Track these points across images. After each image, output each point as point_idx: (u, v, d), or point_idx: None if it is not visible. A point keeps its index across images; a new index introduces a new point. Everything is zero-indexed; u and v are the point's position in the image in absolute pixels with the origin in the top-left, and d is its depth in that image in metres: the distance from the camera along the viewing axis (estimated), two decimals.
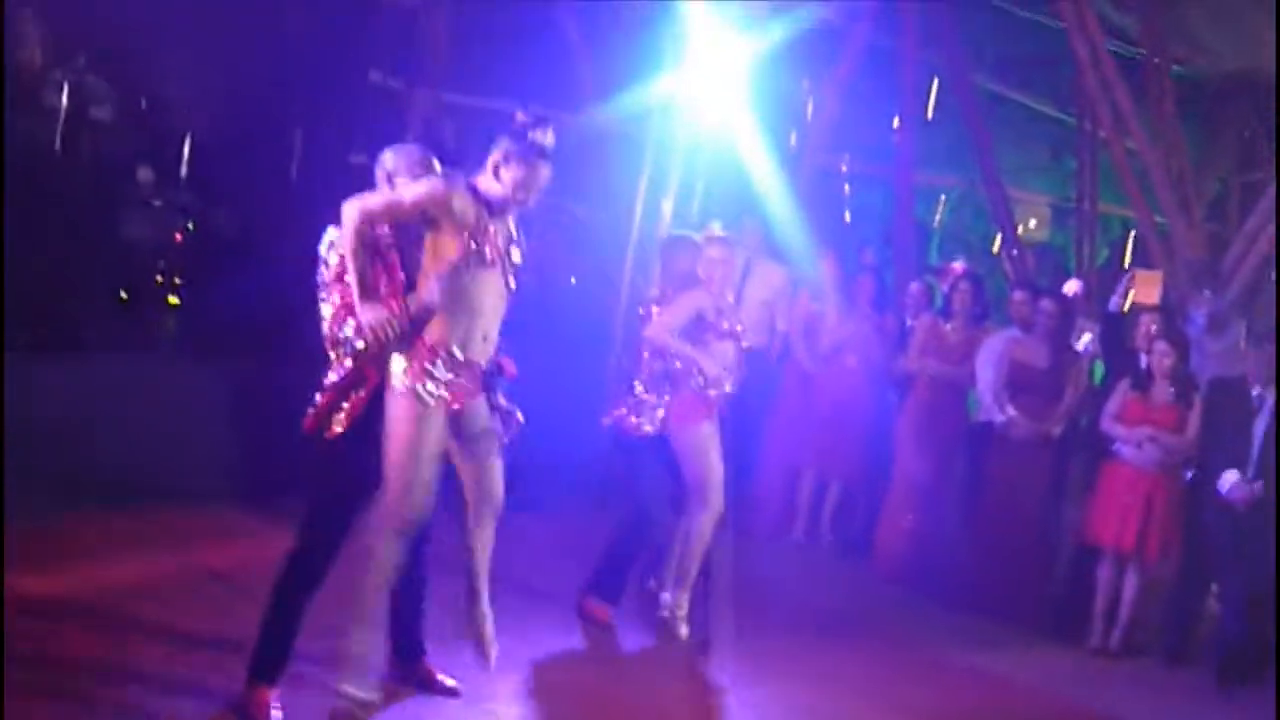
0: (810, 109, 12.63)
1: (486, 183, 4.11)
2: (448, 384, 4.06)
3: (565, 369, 7.23)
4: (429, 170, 4.26)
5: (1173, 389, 6.70)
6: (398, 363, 4.05)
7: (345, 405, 4.14)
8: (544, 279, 9.31)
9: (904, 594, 7.28)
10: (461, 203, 4.02)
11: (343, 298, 4.11)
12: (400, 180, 4.22)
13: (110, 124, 8.29)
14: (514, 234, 4.24)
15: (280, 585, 4.13)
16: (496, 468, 4.29)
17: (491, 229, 4.09)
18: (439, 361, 4.04)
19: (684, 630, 5.72)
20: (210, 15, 9.23)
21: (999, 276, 12.74)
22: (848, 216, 14.35)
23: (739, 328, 5.80)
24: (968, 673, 6.15)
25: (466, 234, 4.03)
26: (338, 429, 4.13)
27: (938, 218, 15.25)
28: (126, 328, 7.87)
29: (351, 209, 4.02)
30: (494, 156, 4.12)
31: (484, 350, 4.17)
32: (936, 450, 7.45)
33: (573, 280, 10.02)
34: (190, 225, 8.56)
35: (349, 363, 4.12)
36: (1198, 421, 6.61)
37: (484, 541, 4.31)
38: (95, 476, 6.32)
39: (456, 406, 4.12)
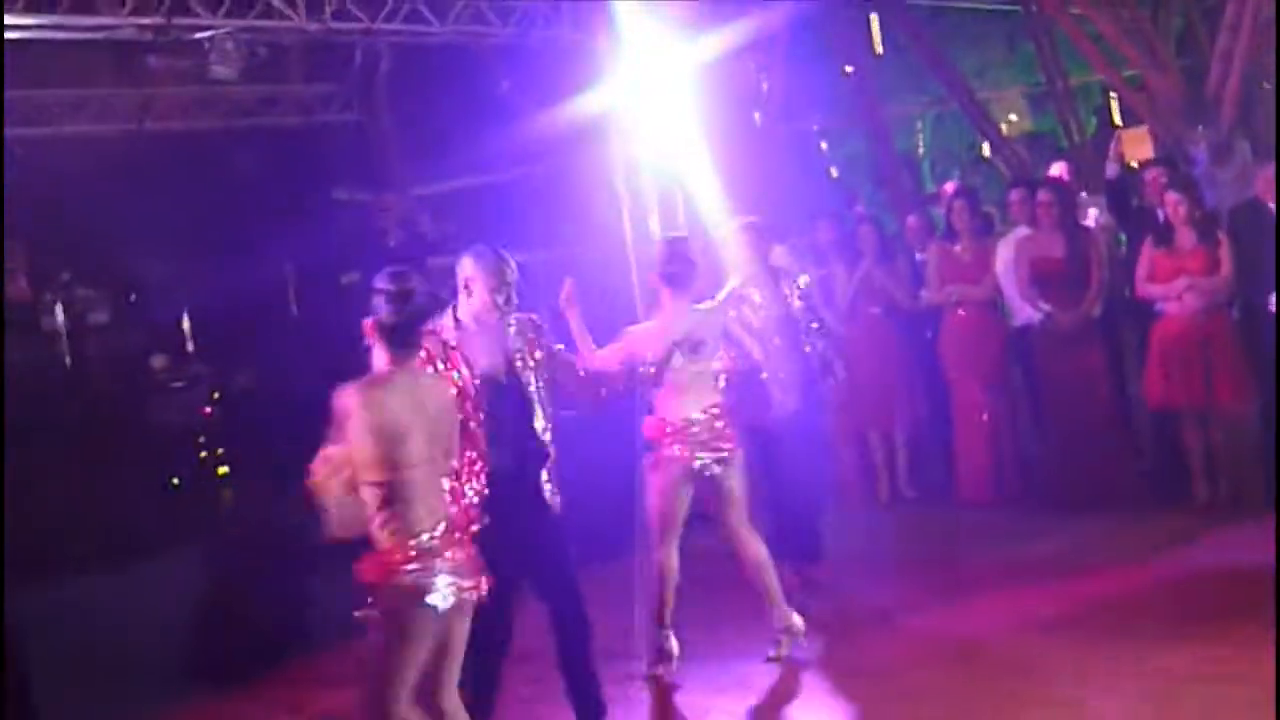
0: (764, 84, 12.62)
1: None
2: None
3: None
4: (503, 283, 4.39)
5: (1195, 233, 6.62)
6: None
7: None
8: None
9: (1001, 518, 7.17)
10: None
11: None
12: (474, 290, 4.42)
13: (111, 325, 8.47)
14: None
15: None
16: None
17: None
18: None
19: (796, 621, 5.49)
20: (170, 190, 9.45)
21: (998, 180, 12.67)
22: (834, 172, 14.35)
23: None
24: (1110, 568, 6.07)
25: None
26: None
27: (920, 144, 15.20)
28: (186, 513, 7.98)
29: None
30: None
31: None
32: (987, 369, 7.39)
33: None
34: (215, 395, 8.71)
35: None
36: (1229, 256, 6.51)
37: None
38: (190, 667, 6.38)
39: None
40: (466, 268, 4.49)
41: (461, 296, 4.52)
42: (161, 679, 6.14)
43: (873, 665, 5.32)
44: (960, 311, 7.38)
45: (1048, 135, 13.68)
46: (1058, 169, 7.86)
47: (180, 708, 6.03)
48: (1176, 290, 6.54)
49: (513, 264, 4.50)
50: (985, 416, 7.36)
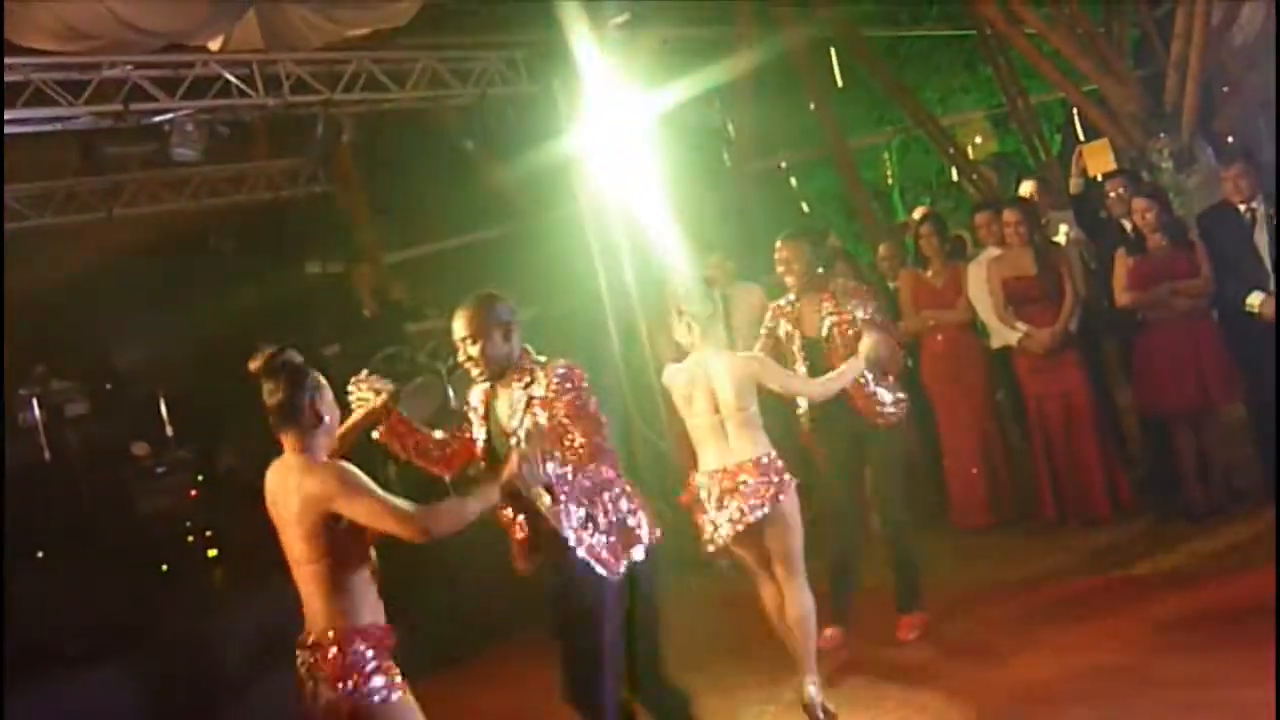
0: (730, 126, 12.69)
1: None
2: None
3: None
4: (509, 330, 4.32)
5: (1166, 239, 6.61)
6: None
7: None
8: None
9: (1000, 540, 7.15)
10: None
11: None
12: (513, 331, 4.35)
13: (89, 416, 8.42)
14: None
15: None
16: None
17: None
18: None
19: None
20: (141, 274, 9.43)
21: (969, 203, 12.73)
22: (805, 207, 14.41)
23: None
24: (1114, 580, 6.06)
25: None
26: None
27: (889, 174, 15.30)
28: (177, 600, 7.89)
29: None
30: None
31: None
32: (971, 391, 7.35)
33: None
34: (200, 477, 8.65)
35: None
36: (1206, 258, 6.51)
37: None
38: None
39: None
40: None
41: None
42: None
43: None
44: (938, 336, 7.36)
45: (1013, 156, 13.81)
46: (1027, 188, 7.87)
47: None
48: (1161, 295, 6.52)
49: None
50: (974, 438, 7.31)
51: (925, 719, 4.95)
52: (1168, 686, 4.63)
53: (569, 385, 4.25)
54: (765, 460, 5.03)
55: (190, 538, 8.43)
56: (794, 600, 5.10)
